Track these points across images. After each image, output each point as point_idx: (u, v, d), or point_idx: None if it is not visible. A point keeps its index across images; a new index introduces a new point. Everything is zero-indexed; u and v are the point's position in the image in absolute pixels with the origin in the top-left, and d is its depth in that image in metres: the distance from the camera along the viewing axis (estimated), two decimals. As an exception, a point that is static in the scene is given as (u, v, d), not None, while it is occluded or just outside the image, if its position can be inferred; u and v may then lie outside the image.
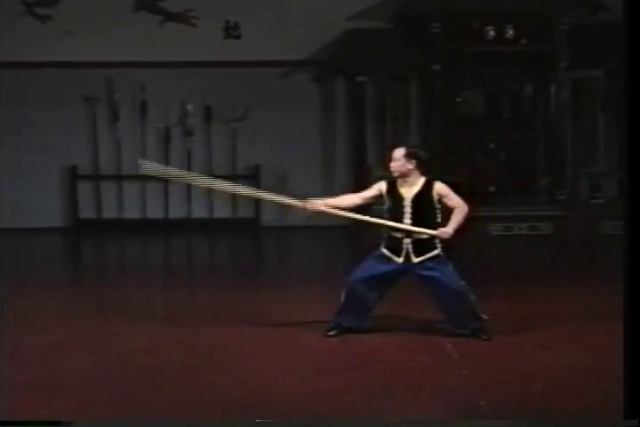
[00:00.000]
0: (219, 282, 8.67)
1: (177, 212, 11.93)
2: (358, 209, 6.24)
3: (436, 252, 5.97)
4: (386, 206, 6.07)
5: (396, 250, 5.98)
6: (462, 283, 5.98)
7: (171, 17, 11.72)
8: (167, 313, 7.26)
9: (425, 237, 5.94)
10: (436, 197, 5.95)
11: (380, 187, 6.07)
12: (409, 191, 5.98)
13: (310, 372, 5.40)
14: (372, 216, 6.16)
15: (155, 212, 11.93)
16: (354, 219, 6.33)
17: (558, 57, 10.86)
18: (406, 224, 5.95)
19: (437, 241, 5.97)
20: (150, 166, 6.48)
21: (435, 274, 5.95)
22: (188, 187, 11.99)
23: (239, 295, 7.79)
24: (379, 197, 6.08)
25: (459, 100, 11.27)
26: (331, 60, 11.46)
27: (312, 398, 4.88)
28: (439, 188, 5.97)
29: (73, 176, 11.91)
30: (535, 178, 11.28)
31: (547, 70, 11.07)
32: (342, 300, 6.10)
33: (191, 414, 4.72)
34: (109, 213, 11.95)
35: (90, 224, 11.86)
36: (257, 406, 4.78)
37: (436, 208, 5.97)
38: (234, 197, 11.95)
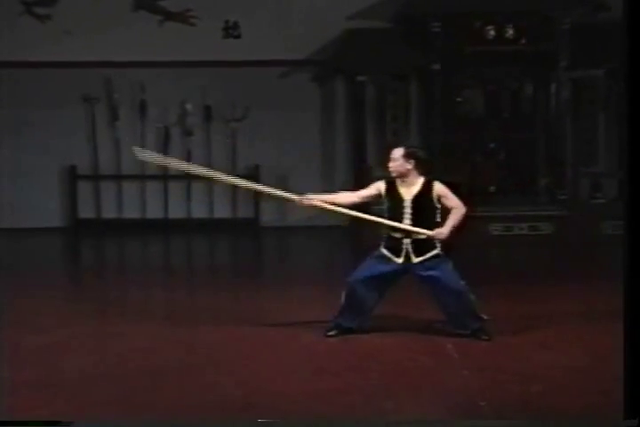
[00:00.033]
0: (218, 282, 8.67)
1: (176, 212, 11.92)
2: (357, 209, 6.23)
3: (435, 251, 5.97)
4: (385, 207, 6.06)
5: (396, 250, 5.97)
6: (462, 283, 5.97)
7: (170, 16, 11.72)
8: (167, 313, 7.26)
9: (424, 236, 5.93)
10: (435, 197, 5.95)
11: (379, 187, 6.06)
12: (408, 192, 5.97)
13: (310, 372, 5.40)
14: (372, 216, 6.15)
15: (154, 212, 11.92)
16: (351, 218, 6.32)
17: (558, 56, 10.86)
18: (406, 224, 5.94)
19: (437, 241, 5.97)
20: (146, 154, 6.48)
21: (434, 274, 5.95)
22: (188, 187, 11.99)
23: (239, 295, 7.78)
24: (377, 196, 6.07)
25: (459, 99, 11.27)
26: (331, 59, 11.45)
27: (312, 399, 4.87)
28: (438, 188, 5.96)
29: (72, 176, 11.90)
30: (535, 178, 11.27)
31: (547, 70, 11.07)
32: (342, 300, 6.09)
33: (191, 414, 4.71)
34: (109, 213, 11.94)
35: (89, 224, 11.85)
36: (257, 407, 4.78)
37: (435, 208, 5.97)
38: (234, 197, 11.96)
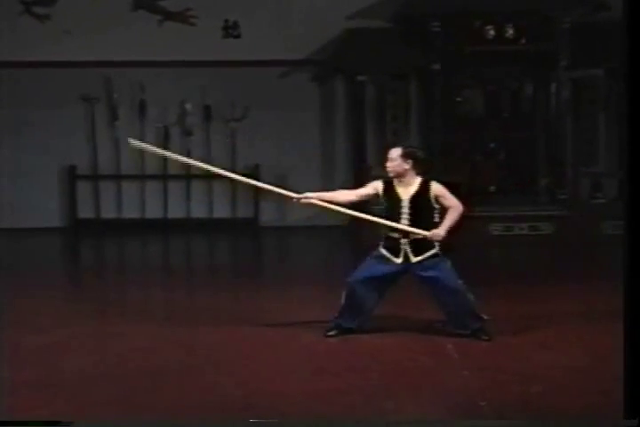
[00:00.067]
0: (218, 282, 8.66)
1: (176, 212, 11.91)
2: (355, 208, 6.22)
3: (433, 251, 5.97)
4: (383, 207, 6.06)
5: (395, 250, 5.97)
6: (460, 282, 5.97)
7: (170, 16, 11.71)
8: (167, 313, 7.25)
9: (421, 236, 5.93)
10: (433, 197, 5.95)
11: (376, 186, 6.06)
12: (406, 191, 5.97)
13: (310, 372, 5.39)
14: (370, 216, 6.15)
15: (154, 212, 11.92)
16: (351, 217, 6.32)
17: (558, 56, 10.85)
18: (404, 224, 5.94)
19: (434, 240, 5.97)
20: (140, 144, 6.48)
21: (434, 274, 5.94)
22: (188, 186, 11.99)
23: (239, 295, 7.78)
24: (374, 196, 6.07)
25: (459, 99, 11.27)
26: (330, 59, 11.44)
27: (312, 399, 4.87)
28: (436, 188, 5.97)
29: (72, 176, 11.90)
30: (535, 178, 11.27)
31: (547, 69, 11.06)
32: (342, 300, 6.09)
33: (191, 414, 4.71)
34: (108, 212, 11.93)
35: (89, 224, 11.85)
36: (257, 407, 4.77)
37: (433, 208, 5.97)
38: (233, 197, 11.95)
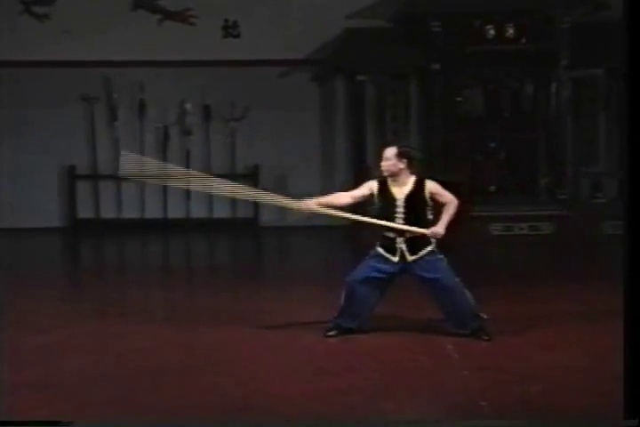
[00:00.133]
0: (218, 282, 8.66)
1: (176, 212, 11.91)
2: (354, 208, 6.22)
3: (429, 248, 5.98)
4: (377, 206, 6.06)
5: (391, 249, 5.98)
6: (457, 280, 5.97)
7: (169, 16, 11.71)
8: (166, 313, 7.25)
9: (417, 235, 5.94)
10: (427, 195, 5.96)
11: (371, 186, 6.07)
12: (400, 191, 5.98)
13: (310, 372, 5.39)
14: (368, 216, 6.15)
15: (153, 212, 11.92)
16: (348, 219, 6.32)
17: (559, 56, 10.85)
18: (398, 223, 5.94)
19: (432, 238, 5.97)
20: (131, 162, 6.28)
21: (431, 272, 5.95)
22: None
23: (238, 296, 7.78)
24: (370, 196, 6.07)
25: (459, 99, 11.27)
26: (330, 59, 11.44)
27: (312, 399, 4.86)
28: (431, 186, 5.98)
29: (71, 176, 11.90)
30: (536, 177, 11.26)
31: (547, 69, 11.06)
32: (342, 301, 6.09)
33: (191, 414, 4.71)
34: (108, 212, 11.93)
35: (88, 224, 11.85)
36: (257, 407, 4.77)
37: (427, 206, 5.98)
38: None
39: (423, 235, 5.94)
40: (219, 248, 11.56)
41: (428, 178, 6.05)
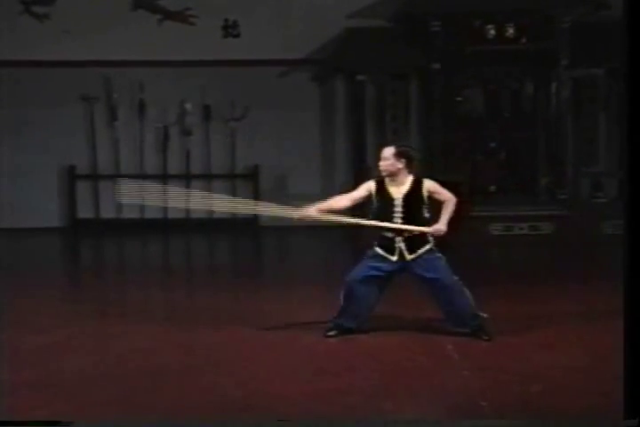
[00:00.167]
0: (218, 282, 8.66)
1: (176, 212, 11.88)
2: (353, 209, 6.22)
3: (428, 246, 5.98)
4: (374, 206, 6.07)
5: (390, 249, 5.98)
6: (456, 278, 5.98)
7: (169, 16, 11.71)
8: (166, 313, 7.25)
9: (416, 233, 5.94)
10: (425, 194, 5.97)
11: (369, 187, 6.07)
12: (398, 190, 5.98)
13: (310, 373, 5.38)
14: (366, 216, 6.16)
15: (153, 212, 11.89)
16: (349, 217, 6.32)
17: (559, 55, 10.85)
18: (397, 223, 5.95)
19: (429, 236, 5.97)
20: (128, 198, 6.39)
21: (430, 271, 5.95)
22: (187, 186, 11.96)
23: (238, 296, 7.77)
24: (368, 197, 6.08)
25: (459, 99, 11.27)
26: (330, 58, 11.44)
27: (312, 399, 4.86)
28: (429, 185, 5.99)
29: (71, 176, 11.89)
30: (536, 177, 11.26)
31: (547, 69, 11.06)
32: (341, 301, 6.09)
33: (191, 414, 4.70)
34: (108, 212, 11.93)
35: (88, 224, 11.84)
36: (256, 407, 4.77)
37: (424, 205, 5.99)
38: (233, 197, 11.93)
39: (422, 233, 5.94)
40: (219, 248, 11.56)
41: (428, 177, 6.06)
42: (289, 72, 11.79)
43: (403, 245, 5.96)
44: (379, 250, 6.02)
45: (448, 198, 5.99)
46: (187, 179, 11.97)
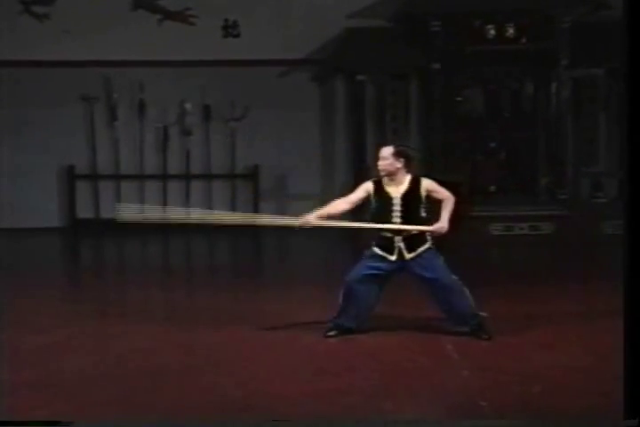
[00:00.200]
0: (218, 282, 8.66)
1: (175, 211, 11.87)
2: (352, 210, 6.22)
3: (427, 245, 5.99)
4: (373, 206, 6.07)
5: (389, 248, 5.98)
6: (455, 278, 5.98)
7: (169, 15, 11.71)
8: (166, 313, 7.25)
9: (414, 232, 5.94)
10: (424, 193, 5.98)
11: (367, 188, 6.07)
12: (397, 190, 5.99)
13: (310, 372, 5.38)
14: (365, 216, 6.16)
15: (153, 211, 11.88)
16: (349, 218, 6.32)
17: (559, 55, 10.86)
18: (396, 223, 5.96)
19: (428, 235, 5.97)
20: (127, 212, 6.46)
21: (430, 271, 5.95)
22: (187, 186, 11.98)
23: (238, 296, 7.77)
24: (367, 198, 6.08)
25: (459, 99, 11.27)
26: (330, 58, 11.44)
27: (312, 399, 4.86)
28: (427, 184, 5.99)
29: (71, 176, 11.89)
30: (536, 177, 11.27)
31: (547, 69, 11.06)
32: (340, 301, 6.09)
33: (191, 414, 4.70)
34: (107, 212, 11.91)
35: (88, 224, 11.83)
36: (256, 407, 4.77)
37: (422, 204, 5.99)
38: (233, 197, 11.94)
39: (421, 233, 5.95)
40: (218, 248, 11.55)
41: (428, 177, 6.06)
42: (289, 72, 11.79)
43: (402, 245, 5.96)
44: (377, 250, 6.02)
45: (447, 197, 6.00)
46: (187, 179, 11.97)
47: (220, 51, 11.53)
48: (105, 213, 11.90)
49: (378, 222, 6.01)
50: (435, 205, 6.04)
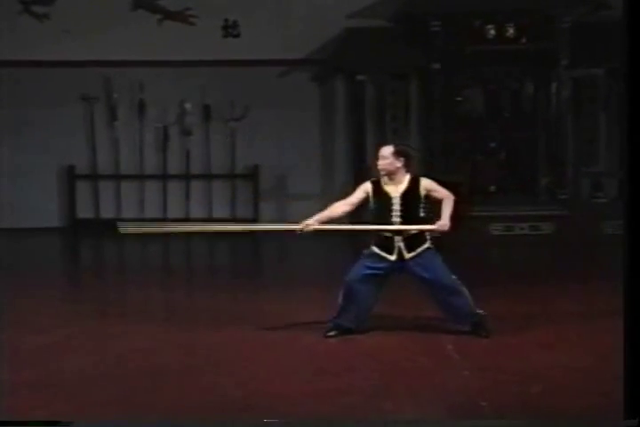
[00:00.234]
0: (218, 282, 8.65)
1: (175, 212, 11.91)
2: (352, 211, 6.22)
3: (426, 245, 5.99)
4: (372, 206, 6.06)
5: (388, 248, 5.98)
6: (454, 277, 5.98)
7: (169, 15, 11.72)
8: (166, 314, 7.25)
9: (414, 232, 5.94)
10: (423, 192, 5.98)
11: (366, 188, 6.07)
12: (396, 189, 5.99)
13: (310, 372, 5.38)
14: (365, 216, 6.17)
15: (153, 212, 11.91)
16: (349, 218, 6.33)
17: (559, 55, 10.86)
18: (395, 222, 5.96)
19: (427, 235, 5.97)
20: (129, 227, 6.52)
21: (429, 271, 5.95)
22: (187, 186, 11.98)
23: (238, 296, 7.77)
24: (366, 198, 6.07)
25: (459, 99, 11.27)
26: (330, 58, 11.45)
27: (312, 399, 4.86)
28: (426, 183, 6.00)
29: (71, 176, 11.89)
30: (536, 177, 11.27)
31: (547, 69, 11.07)
32: (340, 301, 6.09)
33: (191, 414, 4.70)
34: (107, 212, 11.93)
35: (88, 224, 11.84)
36: (257, 407, 4.77)
37: (421, 203, 6.00)
38: (233, 197, 11.95)
39: (420, 232, 5.94)
40: (218, 248, 11.55)
41: (427, 177, 6.06)
42: (289, 72, 11.79)
43: (402, 245, 5.96)
44: (376, 249, 6.02)
45: (446, 196, 6.00)
46: (187, 179, 11.97)
47: (220, 51, 11.53)
48: (105, 214, 11.93)
49: (377, 222, 6.01)
50: (434, 204, 6.04)
